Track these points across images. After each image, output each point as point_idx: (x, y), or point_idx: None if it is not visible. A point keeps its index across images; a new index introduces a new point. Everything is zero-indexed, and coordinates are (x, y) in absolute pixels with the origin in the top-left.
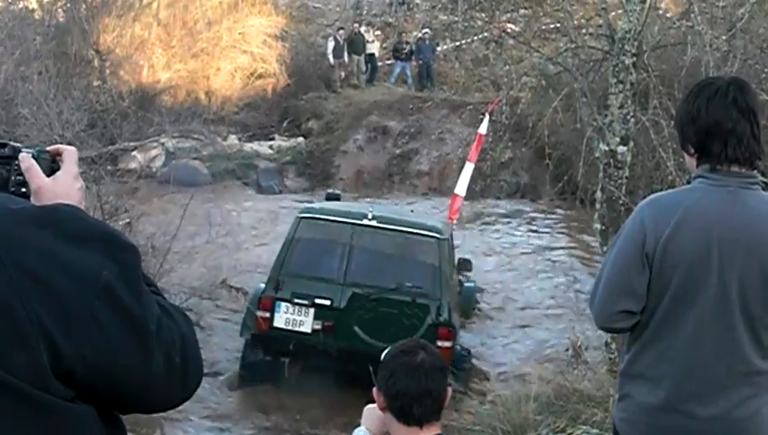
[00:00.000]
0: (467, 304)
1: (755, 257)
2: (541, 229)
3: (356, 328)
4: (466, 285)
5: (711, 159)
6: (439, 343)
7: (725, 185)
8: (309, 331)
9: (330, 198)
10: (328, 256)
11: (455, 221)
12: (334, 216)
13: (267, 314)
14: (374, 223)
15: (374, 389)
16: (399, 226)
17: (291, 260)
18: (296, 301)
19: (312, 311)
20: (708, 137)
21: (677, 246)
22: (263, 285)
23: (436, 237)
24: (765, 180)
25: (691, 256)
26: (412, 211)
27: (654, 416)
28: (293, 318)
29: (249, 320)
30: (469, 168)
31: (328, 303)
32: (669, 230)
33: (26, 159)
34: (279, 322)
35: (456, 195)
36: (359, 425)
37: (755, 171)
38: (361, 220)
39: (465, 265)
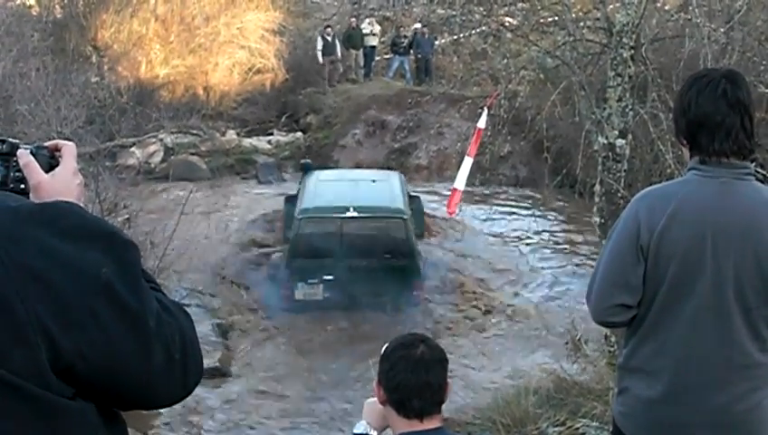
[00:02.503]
0: (419, 218)
1: (750, 247)
2: (539, 222)
3: (354, 290)
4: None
5: (701, 152)
6: (414, 292)
7: (718, 176)
8: (321, 298)
9: (305, 167)
10: (326, 242)
11: (454, 215)
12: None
13: (288, 292)
14: (355, 214)
15: (374, 382)
16: (374, 213)
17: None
18: (309, 281)
19: (321, 285)
20: (698, 129)
21: (672, 238)
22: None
23: (403, 218)
24: (763, 172)
25: (685, 247)
26: (374, 181)
27: (653, 410)
28: (308, 292)
29: (273, 295)
30: (468, 162)
31: (332, 277)
32: (663, 222)
33: (25, 156)
34: (299, 296)
35: (455, 189)
36: (360, 419)
37: (749, 163)
38: (344, 214)
39: (413, 201)
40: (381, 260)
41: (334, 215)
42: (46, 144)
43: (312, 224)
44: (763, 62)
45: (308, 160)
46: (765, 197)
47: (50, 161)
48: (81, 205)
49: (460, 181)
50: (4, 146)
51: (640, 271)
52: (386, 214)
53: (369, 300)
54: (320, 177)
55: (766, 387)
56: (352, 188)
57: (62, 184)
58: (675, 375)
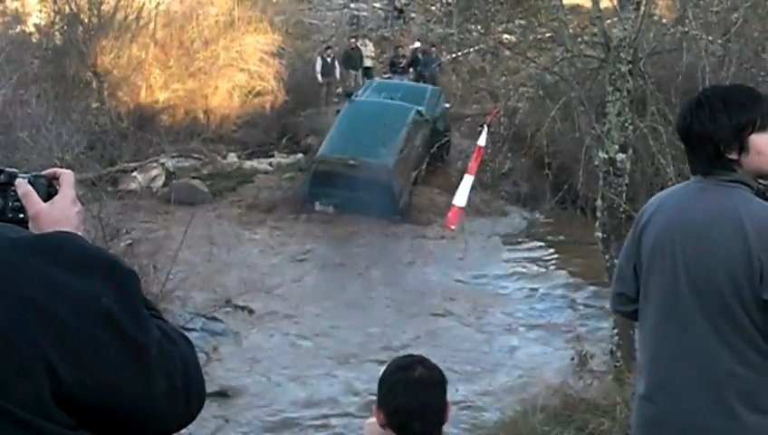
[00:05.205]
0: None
1: (714, 252)
2: (542, 238)
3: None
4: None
5: (691, 163)
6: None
7: (700, 181)
8: (331, 212)
9: (347, 94)
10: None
11: (453, 229)
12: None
13: (310, 205)
14: (354, 162)
15: (374, 406)
16: (368, 162)
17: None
18: (322, 202)
19: (330, 206)
20: (686, 144)
21: (647, 237)
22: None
23: (388, 168)
24: (764, 182)
25: (653, 246)
26: (385, 124)
27: (642, 405)
28: (322, 208)
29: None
30: (468, 180)
31: (336, 203)
32: (644, 221)
33: (23, 185)
34: (317, 208)
35: (454, 205)
36: None
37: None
38: (347, 162)
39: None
40: (371, 195)
41: (339, 162)
42: (44, 172)
43: (325, 165)
44: (761, 74)
45: (352, 91)
46: (738, 203)
47: (48, 190)
48: (81, 233)
49: (460, 198)
50: (2, 176)
51: (632, 265)
52: (375, 163)
53: (360, 220)
54: (351, 107)
55: (745, 401)
56: (365, 131)
57: (60, 213)
58: (649, 372)
